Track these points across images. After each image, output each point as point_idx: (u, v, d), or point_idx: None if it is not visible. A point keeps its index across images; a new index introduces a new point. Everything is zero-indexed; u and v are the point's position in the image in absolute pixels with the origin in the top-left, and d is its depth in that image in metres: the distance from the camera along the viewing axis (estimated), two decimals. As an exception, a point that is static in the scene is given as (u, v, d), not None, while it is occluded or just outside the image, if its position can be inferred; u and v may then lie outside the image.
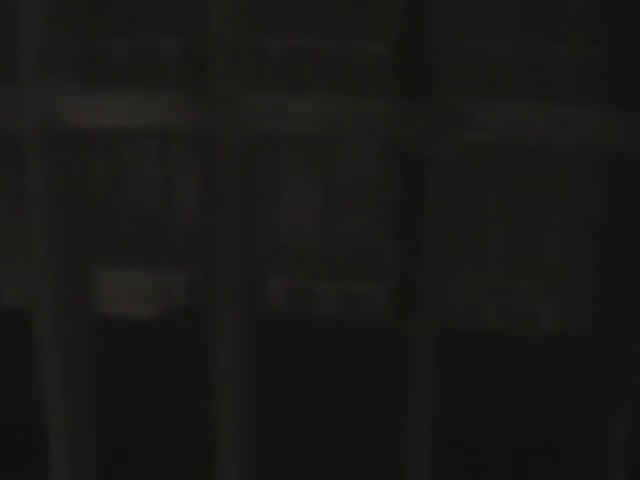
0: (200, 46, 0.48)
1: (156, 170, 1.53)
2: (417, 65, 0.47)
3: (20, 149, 0.52)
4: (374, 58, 1.21)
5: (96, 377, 0.62)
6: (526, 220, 1.43)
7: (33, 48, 0.49)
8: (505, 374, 0.81)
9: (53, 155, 0.51)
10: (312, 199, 1.41)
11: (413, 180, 0.48)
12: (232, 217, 0.52)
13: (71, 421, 0.63)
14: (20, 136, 0.51)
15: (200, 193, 1.48)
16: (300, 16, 1.30)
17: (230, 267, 0.53)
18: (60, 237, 0.55)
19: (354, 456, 0.75)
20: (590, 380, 0.57)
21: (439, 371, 0.57)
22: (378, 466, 0.75)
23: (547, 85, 1.27)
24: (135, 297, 1.60)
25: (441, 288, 0.54)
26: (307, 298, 1.45)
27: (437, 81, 0.46)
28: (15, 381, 0.82)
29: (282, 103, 0.48)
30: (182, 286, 1.59)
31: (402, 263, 0.54)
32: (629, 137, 0.46)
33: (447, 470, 0.67)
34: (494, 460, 0.75)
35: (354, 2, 1.28)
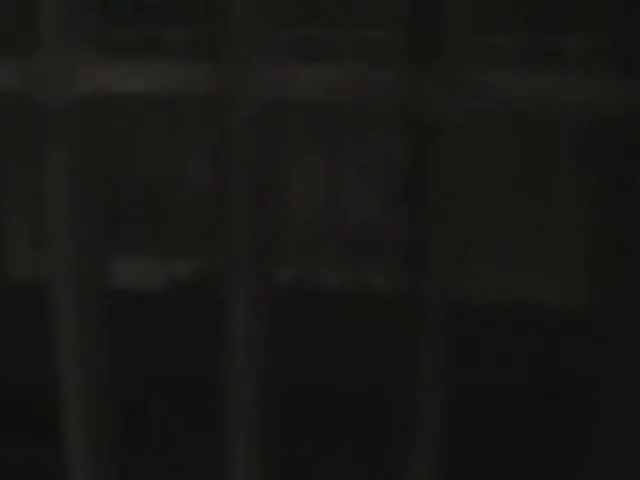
0: (215, 20, 0.50)
1: (165, 156, 1.55)
2: (426, 35, 0.49)
3: (42, 118, 0.53)
4: (381, 47, 1.22)
5: (109, 347, 0.64)
6: (532, 208, 1.44)
7: (54, 19, 0.51)
8: (511, 347, 0.82)
9: (75, 123, 0.53)
10: (317, 181, 1.43)
11: (422, 148, 0.50)
12: (247, 186, 0.54)
13: (86, 389, 0.64)
14: (41, 104, 0.53)
15: (208, 186, 1.50)
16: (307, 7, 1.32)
17: (245, 237, 0.55)
18: (80, 209, 0.57)
19: (362, 426, 0.76)
20: (593, 352, 0.58)
21: (447, 344, 0.58)
22: (386, 437, 0.76)
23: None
24: (140, 285, 1.61)
25: (449, 258, 0.56)
26: (311, 285, 1.47)
27: (442, 50, 0.48)
28: (30, 353, 0.84)
29: (291, 71, 0.50)
30: (189, 274, 1.61)
31: (410, 232, 0.56)
32: (628, 103, 0.48)
33: (456, 437, 0.68)
34: (498, 427, 0.76)
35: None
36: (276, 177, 1.35)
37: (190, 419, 0.75)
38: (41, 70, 0.52)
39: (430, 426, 0.60)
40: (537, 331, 0.86)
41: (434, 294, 0.57)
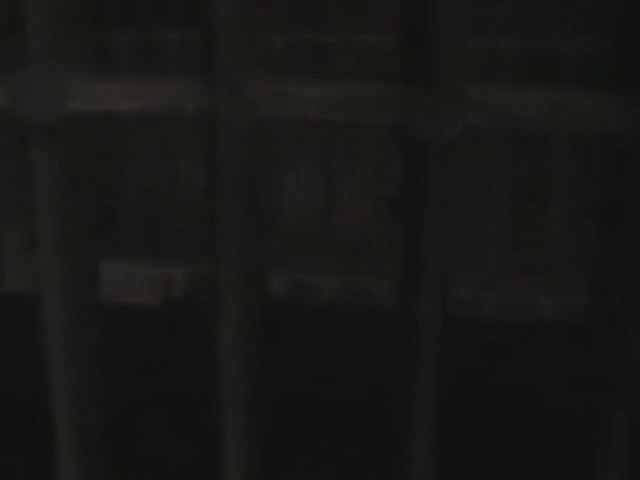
0: (207, 34, 0.49)
1: (158, 161, 1.54)
2: (420, 51, 0.48)
3: (29, 135, 0.53)
4: (377, 51, 1.21)
5: (101, 362, 0.63)
6: (527, 214, 1.44)
7: (41, 35, 0.50)
8: (509, 359, 0.82)
9: (62, 141, 0.52)
10: (314, 189, 1.42)
11: (416, 164, 0.49)
12: (238, 202, 0.53)
13: (77, 405, 0.64)
14: (29, 122, 0.52)
15: (202, 183, 1.49)
16: (303, 11, 1.31)
17: (236, 252, 0.54)
18: (69, 224, 0.56)
19: (357, 437, 0.76)
20: (590, 362, 0.58)
21: (443, 357, 0.58)
22: (380, 447, 0.76)
23: (549, 79, 1.27)
24: (134, 290, 1.61)
25: (444, 273, 0.55)
26: (308, 291, 1.46)
27: (440, 67, 0.47)
28: (21, 366, 0.83)
29: (285, 88, 0.49)
30: (182, 279, 1.60)
31: (405, 248, 0.55)
32: (626, 121, 0.47)
33: (449, 449, 0.68)
34: (496, 440, 0.76)
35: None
36: (272, 189, 1.35)
37: (182, 434, 0.75)
38: (29, 87, 0.51)
39: (424, 436, 0.60)
40: (535, 340, 0.86)
41: (429, 307, 0.57)
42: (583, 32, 1.30)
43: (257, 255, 0.55)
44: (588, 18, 1.30)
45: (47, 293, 0.60)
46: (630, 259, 0.52)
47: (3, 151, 1.48)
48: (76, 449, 0.65)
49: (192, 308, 0.87)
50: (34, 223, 0.57)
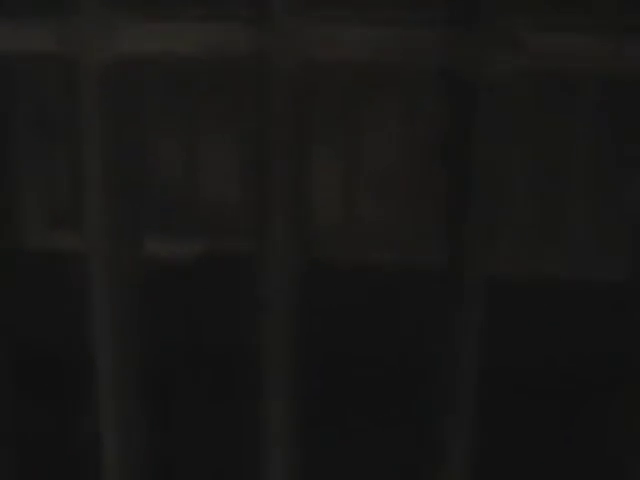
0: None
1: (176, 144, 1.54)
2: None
3: (78, 78, 0.53)
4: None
5: (140, 316, 0.64)
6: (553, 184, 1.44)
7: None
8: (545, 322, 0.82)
9: (112, 83, 0.52)
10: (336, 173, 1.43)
11: (462, 108, 0.50)
12: (285, 145, 0.53)
13: (118, 356, 0.64)
14: (79, 64, 0.52)
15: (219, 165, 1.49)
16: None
17: (282, 198, 0.54)
18: (114, 168, 0.56)
19: (396, 393, 0.76)
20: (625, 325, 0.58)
21: (483, 318, 0.58)
22: (419, 405, 0.76)
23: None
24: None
25: (489, 225, 0.55)
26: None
27: (486, 9, 0.48)
28: (62, 318, 0.83)
29: (334, 31, 0.49)
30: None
31: (450, 197, 0.55)
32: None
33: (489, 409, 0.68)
34: (531, 400, 0.76)
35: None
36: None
37: (220, 390, 0.75)
38: (78, 31, 0.51)
39: (465, 398, 0.60)
40: (555, 307, 0.86)
41: (471, 265, 0.57)
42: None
43: (302, 200, 0.55)
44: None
45: (92, 247, 0.60)
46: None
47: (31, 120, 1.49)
48: (117, 404, 0.66)
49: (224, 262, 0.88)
50: (59, 194, 0.58)
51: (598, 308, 0.79)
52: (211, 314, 0.81)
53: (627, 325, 0.56)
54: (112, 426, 0.65)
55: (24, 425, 0.81)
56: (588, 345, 0.74)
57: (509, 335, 0.80)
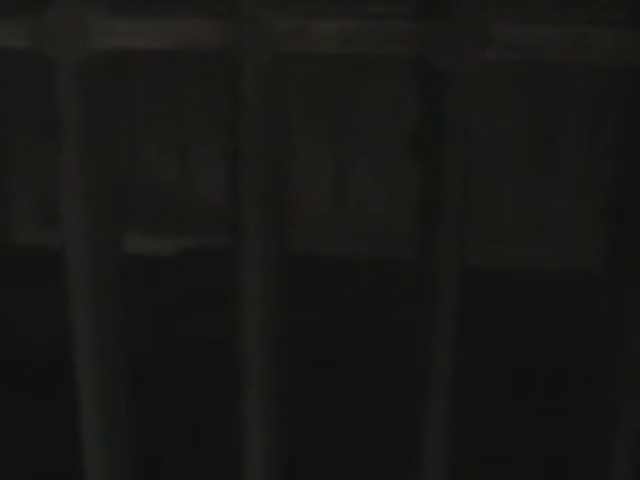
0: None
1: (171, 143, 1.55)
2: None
3: (54, 73, 0.53)
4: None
5: (122, 310, 0.64)
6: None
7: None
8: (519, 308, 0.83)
9: (87, 78, 0.53)
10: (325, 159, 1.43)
11: (435, 98, 0.50)
12: (258, 141, 0.53)
13: (98, 350, 0.65)
14: (54, 60, 0.52)
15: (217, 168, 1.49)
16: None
17: (255, 187, 0.55)
18: (92, 164, 0.57)
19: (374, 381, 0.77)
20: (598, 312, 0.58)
21: (461, 305, 0.58)
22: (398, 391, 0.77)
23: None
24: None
25: (463, 210, 0.56)
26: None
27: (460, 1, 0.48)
28: (41, 315, 0.84)
29: (305, 23, 0.49)
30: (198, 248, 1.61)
31: (422, 186, 0.56)
32: (643, 52, 0.47)
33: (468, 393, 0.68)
34: (508, 383, 0.77)
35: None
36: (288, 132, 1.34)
37: (202, 382, 0.76)
38: (53, 25, 0.52)
39: (441, 394, 0.60)
40: (539, 294, 0.87)
41: (449, 253, 0.57)
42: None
43: (280, 195, 0.56)
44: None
45: (70, 243, 0.60)
46: None
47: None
48: (98, 400, 0.66)
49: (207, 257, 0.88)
50: (54, 181, 0.58)
51: (575, 298, 0.79)
52: (197, 310, 0.82)
53: (601, 317, 0.56)
54: (94, 425, 0.65)
55: (7, 423, 0.82)
56: (565, 334, 0.75)
57: (486, 325, 0.80)
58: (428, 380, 0.58)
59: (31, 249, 1.02)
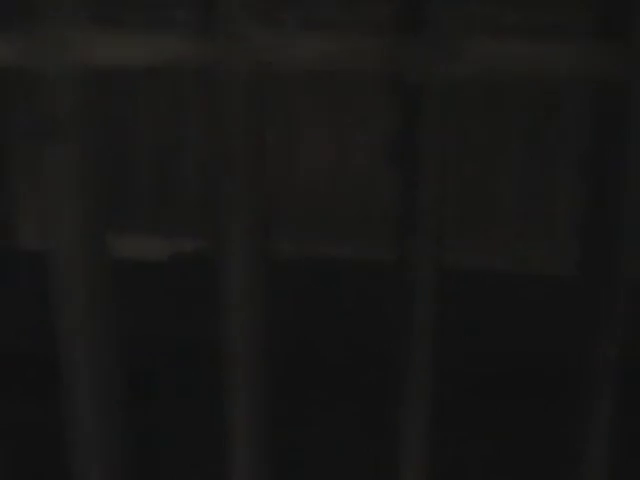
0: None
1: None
2: (414, 5, 0.50)
3: (41, 87, 0.54)
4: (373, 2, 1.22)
5: (113, 316, 0.65)
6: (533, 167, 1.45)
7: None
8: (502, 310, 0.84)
9: (73, 92, 0.54)
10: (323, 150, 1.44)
11: (410, 111, 0.52)
12: (241, 153, 0.55)
13: (90, 355, 0.66)
14: (41, 73, 0.54)
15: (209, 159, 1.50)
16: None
17: (240, 202, 0.56)
18: (82, 174, 0.58)
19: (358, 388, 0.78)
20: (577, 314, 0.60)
21: (438, 306, 0.60)
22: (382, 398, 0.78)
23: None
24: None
25: (439, 219, 0.57)
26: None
27: (432, 19, 0.49)
28: (33, 319, 0.85)
29: (284, 40, 0.51)
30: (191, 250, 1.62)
31: (403, 196, 0.57)
32: (608, 68, 0.49)
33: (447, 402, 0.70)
34: (489, 385, 0.78)
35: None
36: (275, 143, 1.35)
37: (196, 385, 0.77)
38: (37, 41, 0.53)
39: (420, 390, 0.62)
40: (535, 297, 0.88)
41: (426, 259, 0.58)
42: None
43: (261, 207, 0.57)
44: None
45: (60, 249, 0.61)
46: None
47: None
48: (93, 402, 0.67)
49: (198, 263, 0.90)
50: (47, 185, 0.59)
51: (547, 302, 0.81)
52: (189, 311, 0.83)
53: (574, 320, 0.58)
54: (87, 426, 0.67)
55: (7, 421, 0.83)
56: (538, 340, 0.76)
57: (461, 330, 0.81)
58: (405, 381, 0.59)
59: (31, 249, 1.03)
